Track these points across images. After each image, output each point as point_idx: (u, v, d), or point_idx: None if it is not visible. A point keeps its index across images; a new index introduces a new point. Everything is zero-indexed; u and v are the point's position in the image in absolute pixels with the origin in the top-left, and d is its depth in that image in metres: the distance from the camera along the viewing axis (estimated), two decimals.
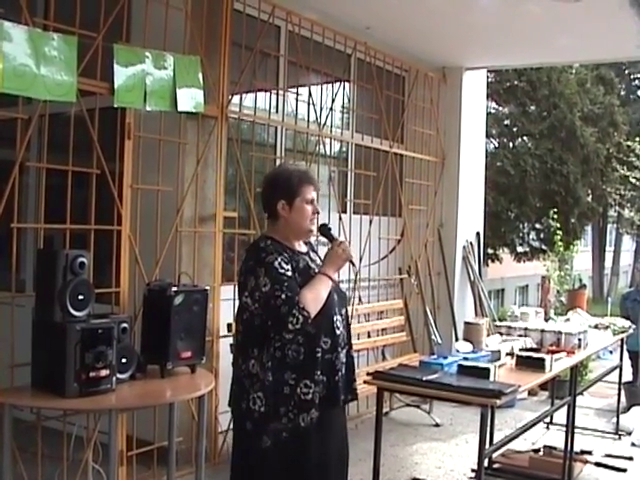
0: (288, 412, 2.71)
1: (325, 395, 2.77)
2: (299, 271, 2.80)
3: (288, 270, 2.75)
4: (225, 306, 4.73)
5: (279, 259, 2.75)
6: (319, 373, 2.75)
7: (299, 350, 2.74)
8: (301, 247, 2.95)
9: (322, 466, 2.80)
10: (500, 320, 6.61)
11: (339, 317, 2.87)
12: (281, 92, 5.68)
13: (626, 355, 6.79)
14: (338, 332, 2.84)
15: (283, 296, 2.67)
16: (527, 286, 23.35)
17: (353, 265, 3.02)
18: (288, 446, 2.73)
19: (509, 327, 4.96)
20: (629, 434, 6.05)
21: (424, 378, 3.49)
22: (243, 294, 2.80)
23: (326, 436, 2.81)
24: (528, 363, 4.00)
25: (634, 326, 6.18)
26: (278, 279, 2.71)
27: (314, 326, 2.73)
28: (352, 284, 6.08)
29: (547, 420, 6.01)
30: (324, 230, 2.88)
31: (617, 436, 6.09)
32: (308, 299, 2.69)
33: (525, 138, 17.56)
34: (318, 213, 2.94)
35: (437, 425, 6.16)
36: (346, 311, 2.97)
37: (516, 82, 16.43)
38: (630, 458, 5.44)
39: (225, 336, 4.73)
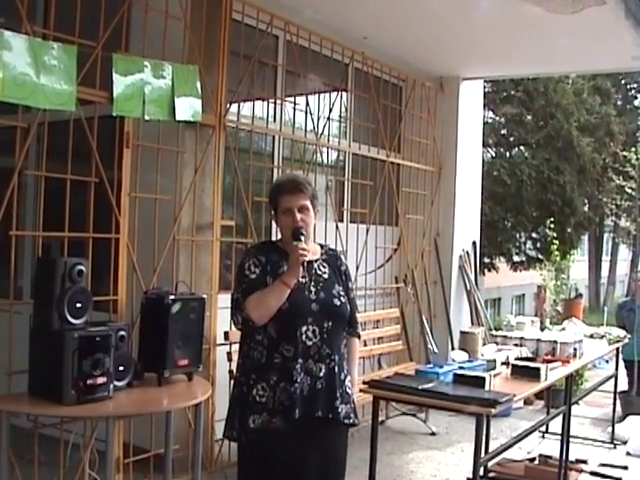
0: (252, 413, 2.74)
1: (288, 404, 2.72)
2: (276, 276, 2.81)
3: (254, 273, 2.82)
4: (222, 314, 4.72)
5: (250, 262, 2.84)
6: (275, 379, 2.74)
7: (263, 352, 2.79)
8: None
9: (298, 476, 2.79)
10: (496, 329, 6.62)
11: (313, 328, 2.78)
12: (279, 101, 5.70)
13: (622, 364, 6.80)
14: (310, 343, 2.77)
15: (235, 296, 2.81)
16: (523, 295, 23.33)
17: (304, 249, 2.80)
18: (257, 445, 2.76)
19: (505, 336, 4.98)
20: (624, 443, 6.06)
21: (420, 387, 3.50)
22: None
23: (301, 446, 2.76)
24: (523, 372, 4.02)
25: (629, 335, 6.22)
26: (240, 280, 2.83)
27: (275, 330, 2.77)
28: None
29: (542, 429, 6.02)
30: (294, 236, 2.82)
31: (612, 445, 6.11)
32: (251, 302, 2.74)
33: (522, 148, 17.60)
34: (296, 222, 2.83)
35: (433, 434, 6.17)
36: (334, 324, 2.84)
37: (513, 92, 16.48)
38: (625, 467, 5.46)
39: (222, 344, 4.73)
